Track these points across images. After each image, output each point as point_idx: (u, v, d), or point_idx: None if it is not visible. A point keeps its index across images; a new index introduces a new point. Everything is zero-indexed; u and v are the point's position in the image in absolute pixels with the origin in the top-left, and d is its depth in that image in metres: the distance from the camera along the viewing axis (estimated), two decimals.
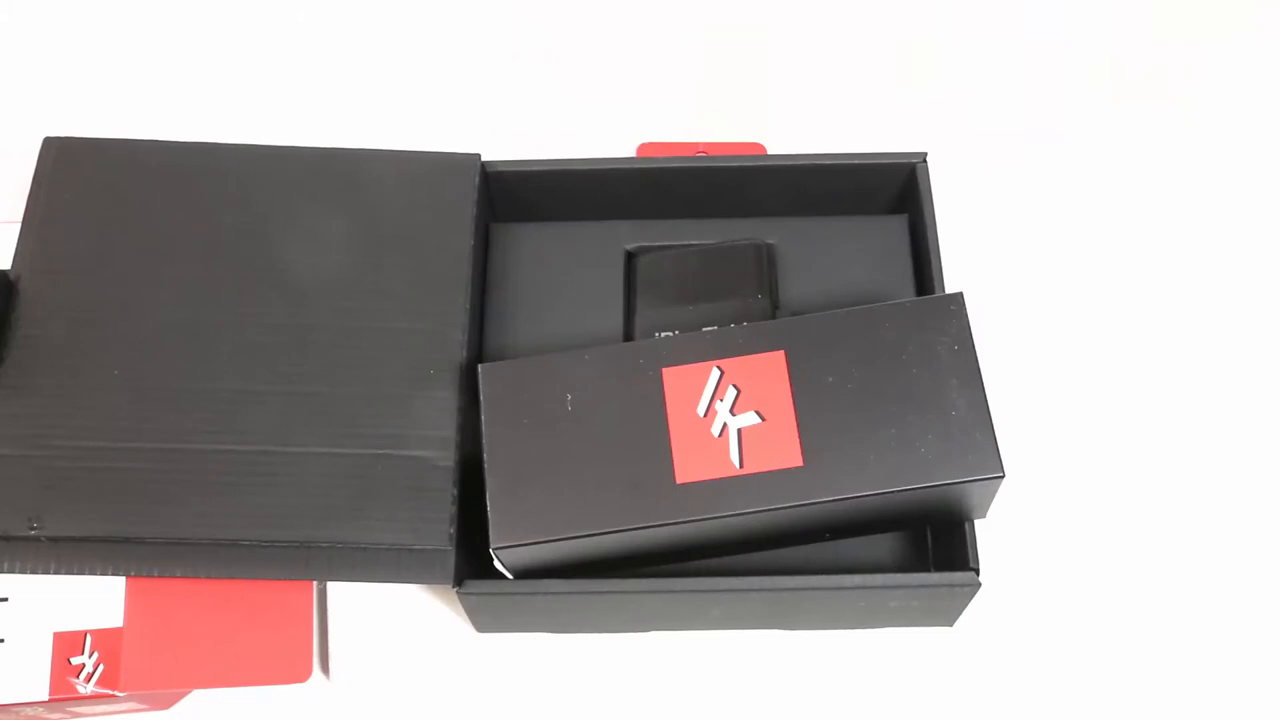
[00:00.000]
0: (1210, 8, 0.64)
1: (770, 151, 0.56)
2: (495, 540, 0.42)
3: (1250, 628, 0.49)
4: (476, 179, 0.49)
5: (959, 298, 0.43)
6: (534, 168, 0.50)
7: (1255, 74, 0.62)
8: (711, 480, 0.41)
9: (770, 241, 0.50)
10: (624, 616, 0.49)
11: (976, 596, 0.45)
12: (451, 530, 0.43)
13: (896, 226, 0.51)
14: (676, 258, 0.50)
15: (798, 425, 0.41)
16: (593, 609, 0.48)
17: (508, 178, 0.51)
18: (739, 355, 0.42)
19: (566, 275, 0.51)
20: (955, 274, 0.48)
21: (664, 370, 0.42)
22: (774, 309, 0.48)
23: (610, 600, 0.47)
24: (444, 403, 0.45)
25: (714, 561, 0.50)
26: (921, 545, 0.50)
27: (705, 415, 0.41)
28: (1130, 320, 0.56)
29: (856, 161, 0.50)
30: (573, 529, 0.41)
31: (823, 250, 0.51)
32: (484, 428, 0.42)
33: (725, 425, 0.41)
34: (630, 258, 0.51)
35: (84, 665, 0.45)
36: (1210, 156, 0.60)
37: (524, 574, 0.44)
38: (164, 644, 0.45)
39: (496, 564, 0.43)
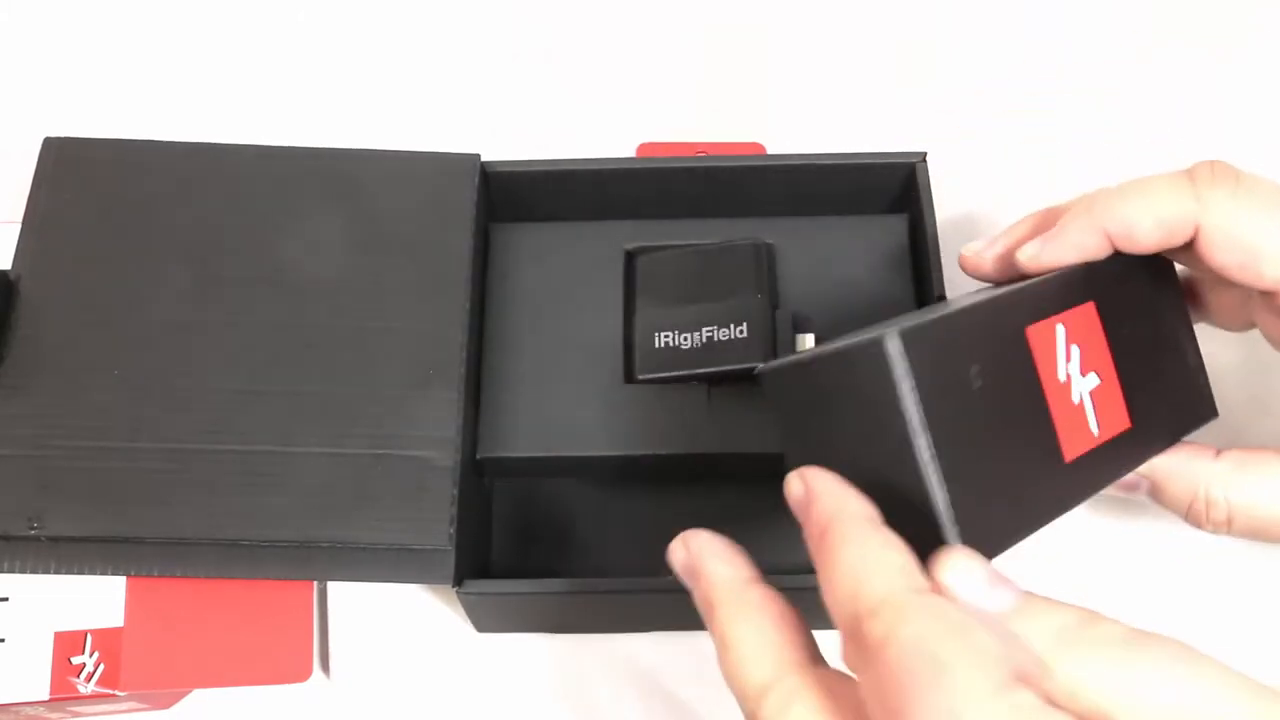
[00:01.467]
0: (1210, 7, 0.64)
1: (770, 151, 0.56)
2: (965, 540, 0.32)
3: (1251, 629, 0.49)
4: (476, 179, 0.49)
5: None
6: (534, 168, 0.50)
7: (1256, 74, 0.62)
8: (1086, 454, 0.36)
9: (770, 241, 0.50)
10: (624, 617, 0.49)
11: None
12: (451, 530, 0.43)
13: (896, 226, 0.51)
14: (676, 258, 0.50)
15: (1120, 384, 0.38)
16: (593, 609, 0.48)
17: (508, 178, 0.51)
18: (1067, 309, 0.37)
19: (566, 275, 0.51)
20: (955, 274, 0.48)
21: (1027, 330, 0.36)
22: (774, 309, 0.48)
23: (610, 600, 0.47)
24: (444, 403, 0.45)
25: None
26: None
27: (1064, 380, 0.37)
28: None
29: (856, 161, 0.50)
30: (1040, 520, 0.35)
31: (823, 250, 0.51)
32: (911, 405, 0.31)
33: (1079, 389, 0.37)
34: (630, 258, 0.51)
35: (84, 665, 0.45)
36: (1210, 157, 0.60)
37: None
38: (164, 644, 0.45)
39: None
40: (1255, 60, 0.63)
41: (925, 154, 0.50)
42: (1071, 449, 0.36)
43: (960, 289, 0.44)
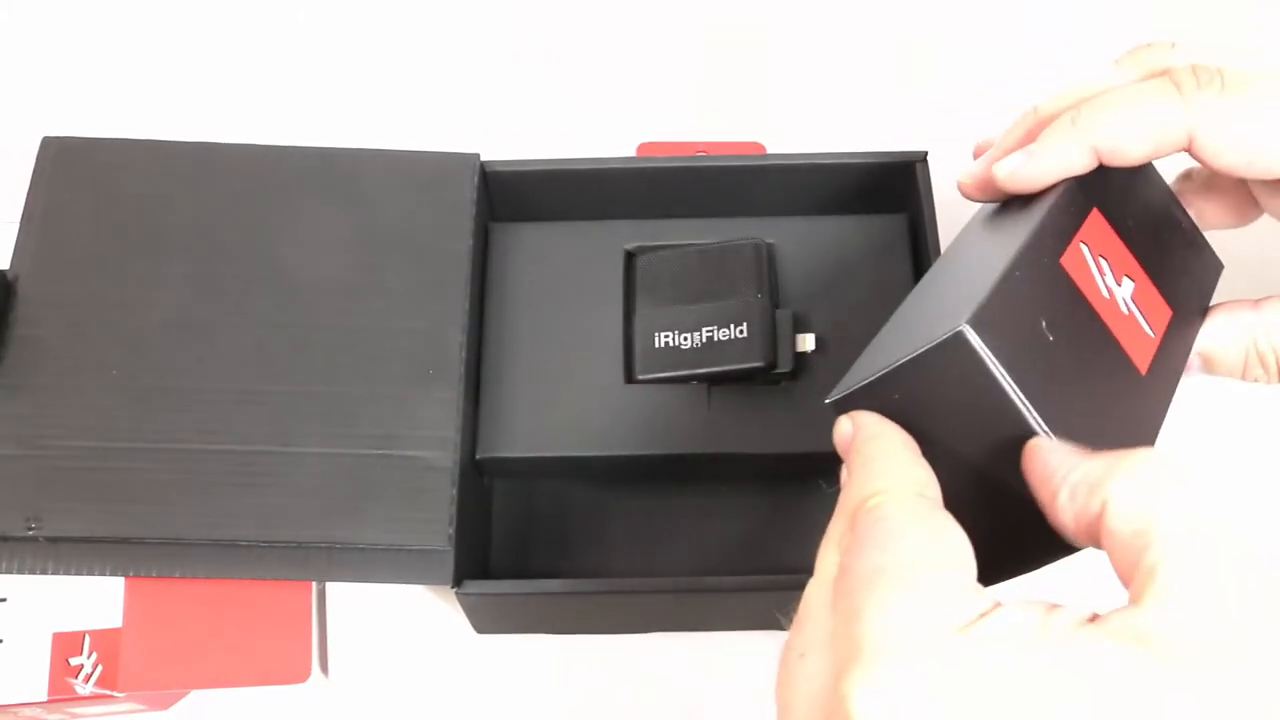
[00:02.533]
0: (1210, 7, 0.64)
1: (770, 151, 0.56)
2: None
3: None
4: (476, 179, 0.49)
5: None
6: (534, 167, 0.50)
7: None
8: (1154, 359, 0.35)
9: (770, 241, 0.50)
10: (624, 617, 0.49)
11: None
12: (451, 530, 0.43)
13: (896, 226, 0.51)
14: (676, 258, 0.50)
15: (1150, 277, 0.37)
16: (592, 610, 0.48)
17: (507, 177, 0.50)
18: (1080, 226, 0.36)
19: (566, 275, 0.51)
20: None
21: (1061, 262, 0.35)
22: (774, 309, 0.48)
23: (610, 601, 0.47)
24: (444, 403, 0.45)
25: (714, 562, 0.50)
26: None
27: (1108, 296, 0.35)
28: None
29: (856, 161, 0.50)
30: (1148, 445, 0.35)
31: (823, 249, 0.51)
32: (1010, 386, 0.30)
33: (1122, 298, 0.36)
34: (630, 257, 0.51)
35: (83, 666, 0.45)
36: None
37: None
38: (163, 644, 0.45)
39: None
40: (1255, 60, 0.63)
41: (925, 153, 0.50)
42: (1141, 360, 0.35)
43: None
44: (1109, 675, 0.24)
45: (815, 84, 0.62)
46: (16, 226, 0.48)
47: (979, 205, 0.41)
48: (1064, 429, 0.30)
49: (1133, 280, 0.36)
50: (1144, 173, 0.40)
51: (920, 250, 0.50)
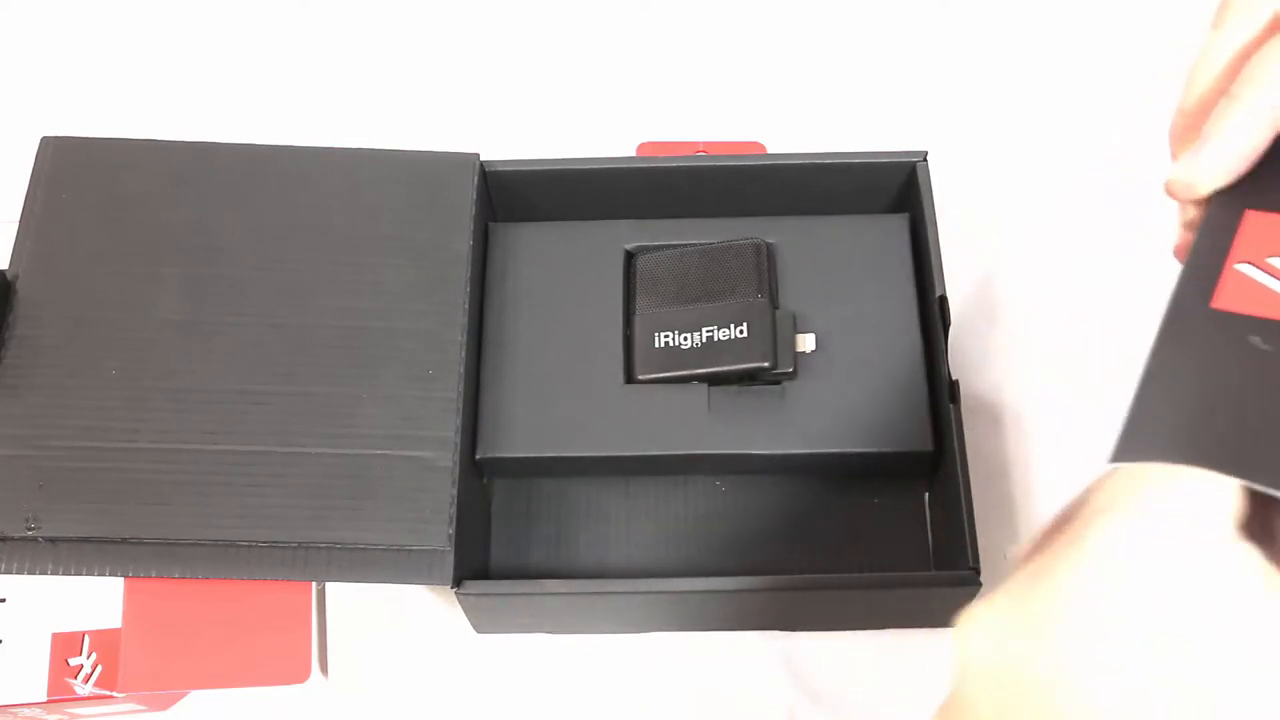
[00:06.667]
0: (1211, 7, 0.64)
1: (770, 151, 0.56)
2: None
3: None
4: (476, 179, 0.49)
5: None
6: (533, 167, 0.50)
7: None
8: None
9: (770, 241, 0.50)
10: (624, 617, 0.49)
11: (977, 597, 0.45)
12: (450, 531, 0.43)
13: (896, 226, 0.51)
14: (676, 257, 0.50)
15: None
16: (592, 610, 0.48)
17: (507, 177, 0.50)
18: (1230, 245, 0.32)
19: (566, 275, 0.51)
20: (955, 273, 0.48)
21: (1213, 305, 0.32)
22: (774, 308, 0.48)
23: (610, 601, 0.47)
24: (444, 403, 0.45)
25: (714, 562, 0.50)
26: (922, 545, 0.50)
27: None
28: (1134, 319, 0.55)
29: (856, 161, 0.50)
30: None
31: (823, 250, 0.51)
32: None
33: None
34: (630, 257, 0.51)
35: (82, 666, 0.45)
36: None
37: None
38: (162, 645, 0.44)
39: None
40: None
41: (925, 154, 0.50)
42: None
43: (958, 284, 0.44)
44: None
45: (815, 84, 0.62)
46: (15, 226, 0.47)
47: (980, 210, 0.38)
48: None
49: None
50: None
51: (920, 250, 0.50)
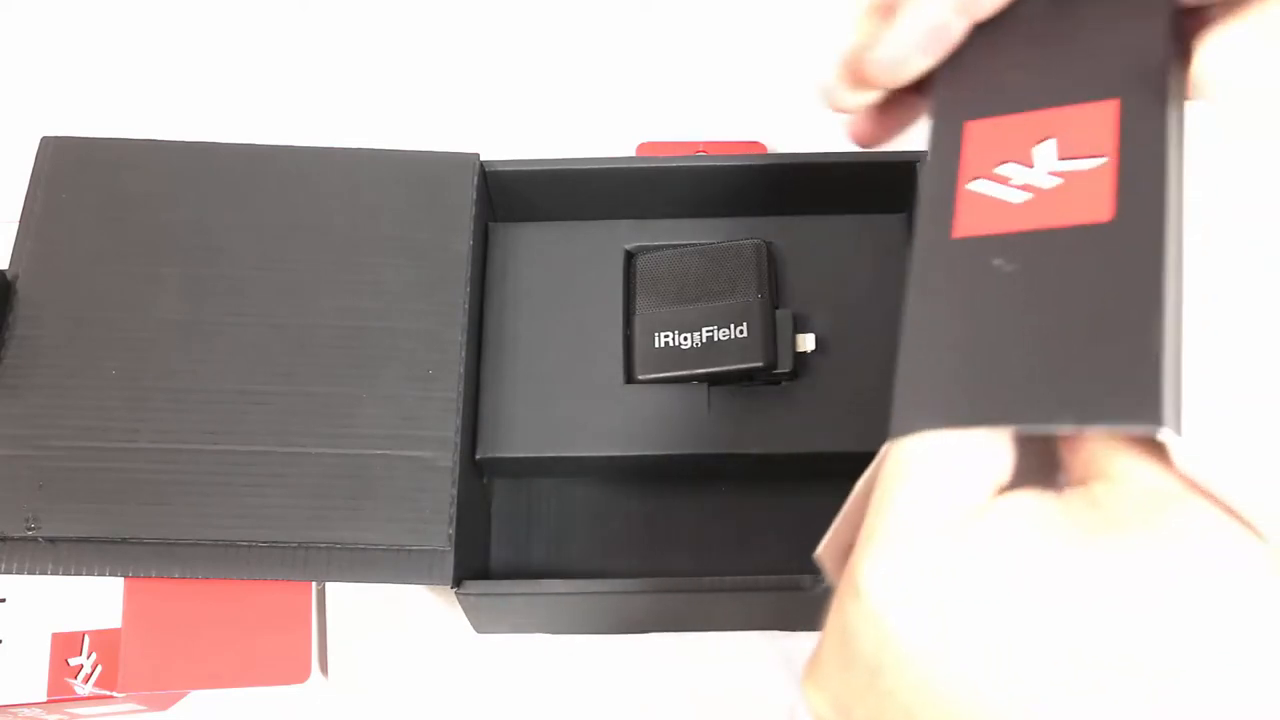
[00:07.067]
0: None
1: (770, 151, 0.56)
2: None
3: None
4: (476, 179, 0.49)
5: None
6: (533, 167, 0.50)
7: None
8: (1117, 187, 0.29)
9: (770, 240, 0.50)
10: (624, 618, 0.49)
11: None
12: (450, 531, 0.43)
13: (896, 225, 0.51)
14: (676, 257, 0.50)
15: (1069, 101, 0.30)
16: (592, 610, 0.48)
17: (507, 177, 0.50)
18: (958, 166, 0.31)
19: (566, 275, 0.51)
20: None
21: (954, 236, 0.30)
22: (774, 308, 0.48)
23: (610, 601, 0.47)
24: (443, 403, 0.45)
25: (714, 562, 0.50)
26: None
27: (1031, 196, 0.30)
28: None
29: (857, 160, 0.50)
30: None
31: (823, 249, 0.51)
32: None
33: (1045, 175, 0.30)
34: (630, 257, 0.51)
35: (82, 666, 0.45)
36: (1210, 155, 0.60)
37: None
38: (162, 645, 0.44)
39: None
40: None
41: (926, 153, 0.50)
42: (1100, 206, 0.29)
43: None
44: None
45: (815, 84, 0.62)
46: (16, 226, 0.47)
47: None
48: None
49: (1051, 134, 0.30)
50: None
51: None
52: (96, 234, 0.47)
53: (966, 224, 0.30)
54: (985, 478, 0.26)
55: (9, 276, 0.46)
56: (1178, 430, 0.25)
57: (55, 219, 0.48)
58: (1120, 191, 0.28)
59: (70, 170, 0.49)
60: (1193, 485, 0.25)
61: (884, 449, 0.28)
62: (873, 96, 0.34)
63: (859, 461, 0.50)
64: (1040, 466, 0.28)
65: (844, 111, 0.35)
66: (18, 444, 0.44)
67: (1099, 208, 0.28)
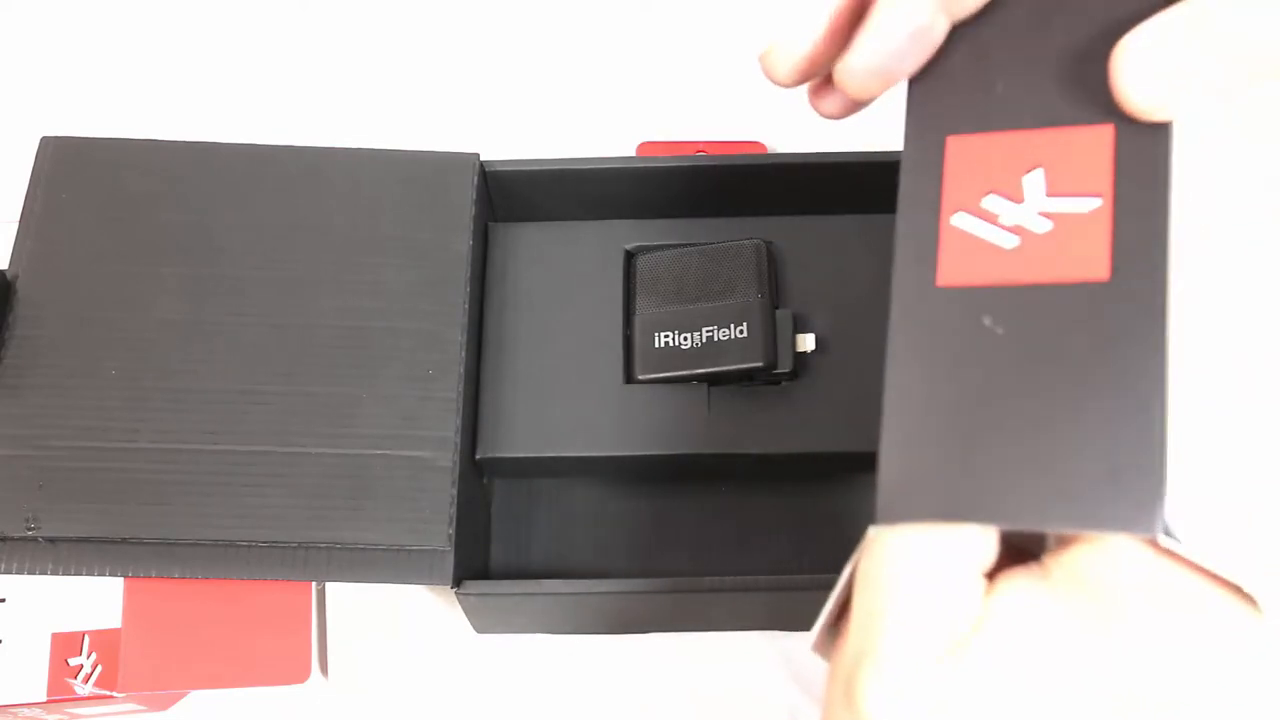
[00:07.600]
0: None
1: (771, 150, 0.56)
2: None
3: None
4: (476, 179, 0.49)
5: None
6: (533, 167, 0.50)
7: None
8: (1113, 234, 0.27)
9: (770, 240, 0.50)
10: (624, 618, 0.49)
11: None
12: (450, 531, 0.43)
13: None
14: (676, 257, 0.50)
15: (1063, 123, 0.28)
16: (592, 610, 0.48)
17: (507, 177, 0.50)
18: (940, 199, 0.29)
19: (566, 275, 0.51)
20: None
21: (939, 285, 0.28)
22: (774, 308, 0.48)
23: (610, 601, 0.47)
24: (444, 403, 0.45)
25: (714, 562, 0.50)
26: None
27: (1019, 240, 0.28)
28: None
29: (857, 160, 0.50)
30: None
31: (823, 249, 0.51)
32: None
33: (1034, 214, 0.28)
34: (630, 257, 0.51)
35: (82, 666, 0.45)
36: (1211, 154, 0.60)
37: None
38: (162, 645, 0.44)
39: None
40: None
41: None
42: (1097, 262, 0.27)
43: None
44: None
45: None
46: (16, 226, 0.47)
47: None
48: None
49: (1040, 163, 0.28)
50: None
51: None
52: (96, 234, 0.47)
53: (952, 270, 0.28)
54: (976, 568, 0.26)
55: (9, 276, 0.46)
56: (1173, 535, 0.25)
57: (55, 219, 0.48)
58: (1117, 245, 0.27)
59: (70, 170, 0.49)
60: (1184, 561, 0.25)
61: (870, 533, 0.27)
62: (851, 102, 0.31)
63: (859, 461, 0.50)
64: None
65: (829, 117, 0.34)
66: (18, 444, 0.44)
67: (1094, 263, 0.27)
